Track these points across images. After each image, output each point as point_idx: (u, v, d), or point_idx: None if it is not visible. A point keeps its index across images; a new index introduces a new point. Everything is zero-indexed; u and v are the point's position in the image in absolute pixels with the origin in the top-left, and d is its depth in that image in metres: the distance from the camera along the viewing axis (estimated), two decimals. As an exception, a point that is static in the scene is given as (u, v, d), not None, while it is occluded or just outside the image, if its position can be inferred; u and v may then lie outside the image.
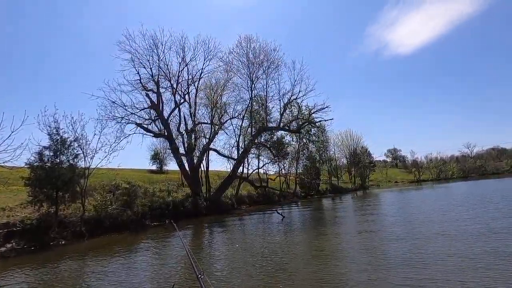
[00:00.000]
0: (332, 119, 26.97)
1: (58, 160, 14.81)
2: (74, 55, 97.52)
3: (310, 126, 30.88)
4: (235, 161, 27.62)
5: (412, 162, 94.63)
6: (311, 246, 9.99)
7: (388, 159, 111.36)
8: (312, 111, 27.38)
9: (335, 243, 10.18)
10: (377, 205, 23.19)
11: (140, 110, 24.26)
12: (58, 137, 14.94)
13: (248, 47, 27.09)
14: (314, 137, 40.40)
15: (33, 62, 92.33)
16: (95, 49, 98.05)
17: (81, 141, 16.01)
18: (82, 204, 15.57)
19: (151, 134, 25.14)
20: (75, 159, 15.57)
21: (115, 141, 19.28)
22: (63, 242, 13.57)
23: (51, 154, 14.71)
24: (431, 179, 79.34)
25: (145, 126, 24.55)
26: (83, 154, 16.11)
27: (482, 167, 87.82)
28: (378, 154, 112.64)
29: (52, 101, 71.52)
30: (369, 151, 64.31)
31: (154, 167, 47.97)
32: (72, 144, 15.54)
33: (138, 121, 23.93)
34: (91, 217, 15.51)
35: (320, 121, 28.38)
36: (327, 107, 26.33)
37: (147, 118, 24.88)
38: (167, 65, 25.35)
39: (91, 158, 16.47)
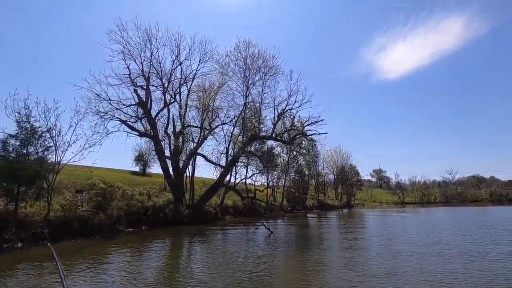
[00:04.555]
0: (326, 133, 26.07)
1: (25, 151, 13.12)
2: (60, 41, 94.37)
3: (302, 138, 30.04)
4: (222, 169, 26.26)
5: (396, 184, 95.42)
6: (306, 266, 8.86)
7: (373, 179, 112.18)
8: (306, 123, 26.60)
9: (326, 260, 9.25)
10: (362, 227, 22.01)
11: (126, 107, 22.78)
12: (28, 125, 13.28)
13: (246, 51, 26.30)
14: (304, 150, 39.66)
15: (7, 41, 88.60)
16: (83, 37, 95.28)
17: (53, 131, 14.23)
18: (47, 202, 13.80)
19: (136, 133, 23.57)
20: (45, 152, 13.87)
21: (92, 134, 17.50)
22: (19, 245, 11.80)
23: (18, 143, 13.02)
24: (414, 202, 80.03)
25: (130, 124, 23.03)
26: (55, 147, 14.34)
27: (463, 194, 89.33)
28: (364, 173, 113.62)
29: (24, 85, 67.95)
30: (357, 170, 64.33)
31: (137, 169, 46.03)
32: (43, 134, 13.85)
33: (123, 118, 22.42)
34: (57, 218, 13.76)
35: (313, 134, 27.57)
36: (321, 120, 25.61)
37: (133, 115, 23.39)
38: (159, 63, 24.20)
39: (63, 152, 14.67)
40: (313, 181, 53.81)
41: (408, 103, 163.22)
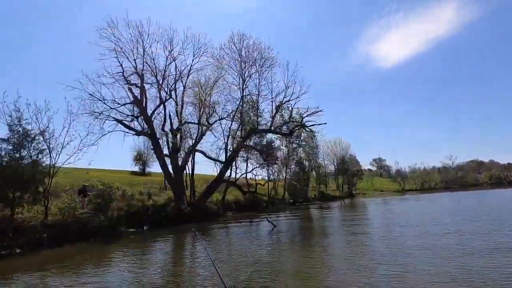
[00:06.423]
0: (325, 123, 25.73)
1: (18, 155, 12.71)
2: (47, 40, 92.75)
3: (302, 130, 29.67)
4: (222, 164, 25.93)
5: (396, 172, 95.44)
6: (307, 259, 8.59)
7: (374, 168, 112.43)
8: (304, 115, 26.19)
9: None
10: (365, 217, 21.89)
11: (122, 106, 22.26)
12: (20, 128, 12.83)
13: (241, 43, 25.68)
14: (304, 142, 39.37)
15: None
16: (71, 35, 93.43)
17: (46, 134, 13.73)
18: (45, 206, 13.43)
19: (133, 132, 23.13)
20: (39, 155, 13.43)
21: (86, 135, 16.89)
22: (17, 251, 11.49)
23: (10, 147, 12.60)
24: (415, 189, 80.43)
25: (126, 123, 22.57)
26: (49, 150, 13.89)
27: (463, 178, 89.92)
28: (364, 163, 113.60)
29: (13, 87, 66.38)
30: (357, 160, 64.27)
31: (136, 169, 45.65)
32: (36, 137, 13.40)
33: (119, 117, 21.97)
34: (55, 222, 13.41)
35: (313, 125, 27.15)
36: (320, 110, 25.21)
37: (129, 114, 22.90)
38: (153, 59, 23.53)
39: (57, 154, 14.22)
40: (313, 172, 53.66)
41: (404, 91, 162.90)
